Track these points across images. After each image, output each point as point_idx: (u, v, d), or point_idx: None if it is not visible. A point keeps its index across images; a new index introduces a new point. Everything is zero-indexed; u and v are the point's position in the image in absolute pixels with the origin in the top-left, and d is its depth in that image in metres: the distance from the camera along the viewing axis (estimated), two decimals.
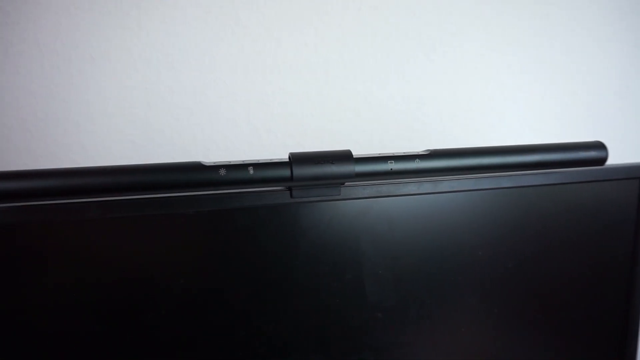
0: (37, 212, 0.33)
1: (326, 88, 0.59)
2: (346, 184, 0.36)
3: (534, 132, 0.65)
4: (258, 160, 0.33)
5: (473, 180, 0.39)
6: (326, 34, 0.58)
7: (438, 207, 0.39)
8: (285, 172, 0.33)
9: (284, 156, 0.35)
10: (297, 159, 0.33)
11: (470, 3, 0.60)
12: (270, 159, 0.34)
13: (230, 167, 0.32)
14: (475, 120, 0.63)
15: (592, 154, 0.40)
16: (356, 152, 0.36)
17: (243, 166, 0.33)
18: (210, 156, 0.56)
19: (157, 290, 0.35)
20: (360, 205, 0.37)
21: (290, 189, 0.35)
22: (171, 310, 0.35)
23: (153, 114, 0.57)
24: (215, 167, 0.32)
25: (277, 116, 0.58)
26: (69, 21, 0.53)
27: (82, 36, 0.54)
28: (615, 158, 0.43)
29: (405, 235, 0.39)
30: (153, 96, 0.56)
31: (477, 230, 0.41)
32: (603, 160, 0.41)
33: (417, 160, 0.35)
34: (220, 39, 0.56)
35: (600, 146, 0.41)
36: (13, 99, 0.53)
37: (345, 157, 0.34)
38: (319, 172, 0.34)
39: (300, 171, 0.33)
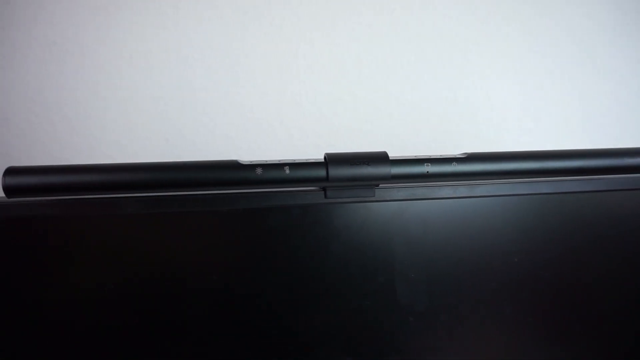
0: (80, 206, 0.34)
1: (359, 89, 0.58)
2: (380, 185, 0.36)
3: (572, 137, 0.63)
4: (294, 160, 0.33)
5: (510, 185, 0.38)
6: (359, 35, 0.58)
7: (473, 211, 0.38)
8: (321, 173, 0.33)
9: (314, 156, 0.35)
10: (332, 160, 0.33)
11: (509, 3, 0.59)
12: (306, 159, 0.34)
13: (266, 166, 0.33)
14: (510, 123, 0.61)
15: (638, 160, 0.38)
16: (388, 154, 0.35)
17: (279, 166, 0.33)
18: (242, 155, 0.57)
19: (191, 286, 0.36)
20: (394, 208, 0.37)
21: (324, 189, 0.35)
22: (203, 307, 0.36)
23: (187, 113, 0.58)
24: (252, 166, 0.32)
25: (309, 116, 0.58)
26: (110, 21, 0.55)
27: (122, 35, 0.55)
28: None
29: (438, 239, 0.38)
30: (188, 95, 0.57)
31: (513, 237, 0.39)
32: None
33: (454, 163, 0.35)
34: (255, 39, 0.57)
35: None
36: (57, 97, 0.55)
37: (381, 158, 0.34)
38: (355, 173, 0.33)
39: (335, 172, 0.33)
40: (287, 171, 0.33)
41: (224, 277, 0.36)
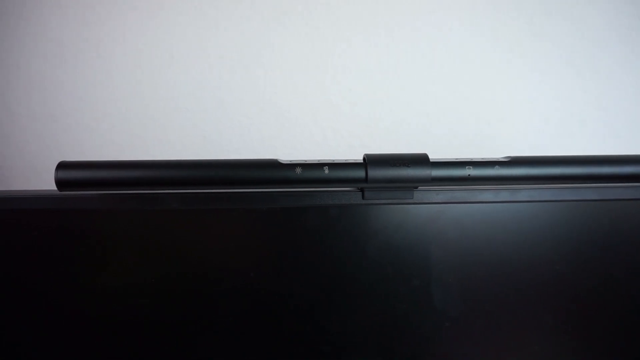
0: (125, 200, 0.35)
1: (396, 89, 0.58)
2: (419, 188, 0.35)
3: (619, 142, 0.60)
4: (333, 160, 0.33)
5: (554, 191, 0.37)
6: (398, 34, 0.57)
7: (515, 217, 0.37)
8: (360, 173, 0.33)
9: (348, 156, 0.35)
10: (372, 161, 0.33)
11: (555, 4, 0.57)
12: (345, 160, 0.34)
13: (306, 166, 0.33)
14: (553, 126, 0.59)
15: None
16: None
17: (318, 165, 0.33)
18: (278, 154, 0.57)
19: (228, 283, 0.36)
20: (433, 211, 0.36)
21: (362, 190, 0.35)
22: (238, 304, 0.37)
23: (225, 111, 0.59)
24: (292, 166, 0.33)
25: (345, 117, 0.58)
26: (152, 21, 0.57)
27: (164, 35, 0.57)
28: None
29: (477, 244, 0.37)
30: (226, 93, 0.58)
31: (556, 244, 0.38)
32: None
33: (496, 167, 0.34)
34: (292, 39, 0.57)
35: None
36: (100, 95, 0.58)
37: (422, 160, 0.33)
38: (394, 175, 0.33)
39: (375, 173, 0.33)
40: (327, 171, 0.33)
41: (260, 275, 0.36)
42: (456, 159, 0.34)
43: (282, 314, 0.37)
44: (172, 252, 0.36)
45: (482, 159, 0.34)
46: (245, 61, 0.57)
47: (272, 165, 0.33)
